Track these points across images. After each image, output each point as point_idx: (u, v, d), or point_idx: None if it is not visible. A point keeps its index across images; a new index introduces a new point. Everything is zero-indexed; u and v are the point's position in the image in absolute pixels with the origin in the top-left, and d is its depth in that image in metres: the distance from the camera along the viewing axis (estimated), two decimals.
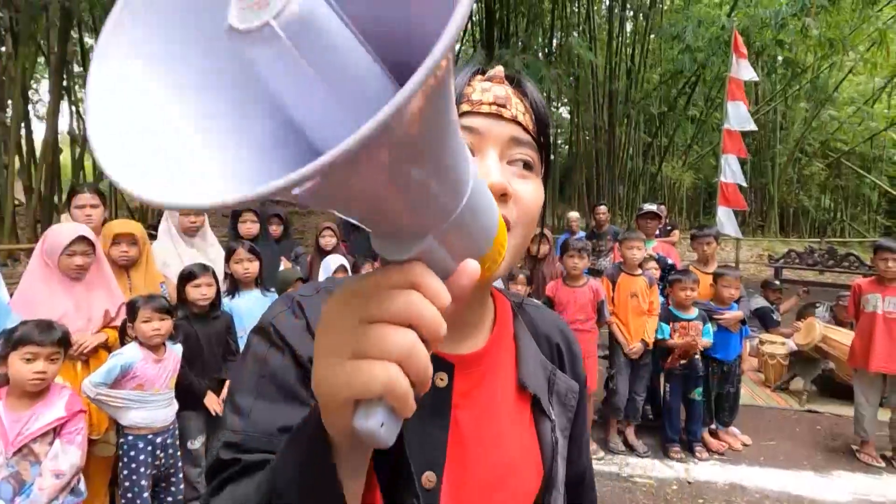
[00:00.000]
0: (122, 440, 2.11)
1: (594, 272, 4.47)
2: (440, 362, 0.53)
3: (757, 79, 7.33)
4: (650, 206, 4.31)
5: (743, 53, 6.41)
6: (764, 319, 4.88)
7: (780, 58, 11.25)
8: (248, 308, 2.73)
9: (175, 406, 2.23)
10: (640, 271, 3.39)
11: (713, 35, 9.49)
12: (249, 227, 3.38)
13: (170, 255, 2.89)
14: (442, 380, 0.54)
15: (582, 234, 5.68)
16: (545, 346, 0.65)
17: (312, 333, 0.52)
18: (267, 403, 0.49)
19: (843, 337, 3.81)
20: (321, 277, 3.36)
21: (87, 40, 10.46)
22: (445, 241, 0.32)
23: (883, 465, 3.19)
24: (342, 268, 3.30)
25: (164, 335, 2.17)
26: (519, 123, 0.53)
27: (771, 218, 14.46)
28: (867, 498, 2.89)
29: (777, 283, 5.42)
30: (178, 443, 2.27)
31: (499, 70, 0.55)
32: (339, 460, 0.35)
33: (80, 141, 8.64)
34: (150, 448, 2.11)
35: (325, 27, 0.27)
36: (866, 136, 14.06)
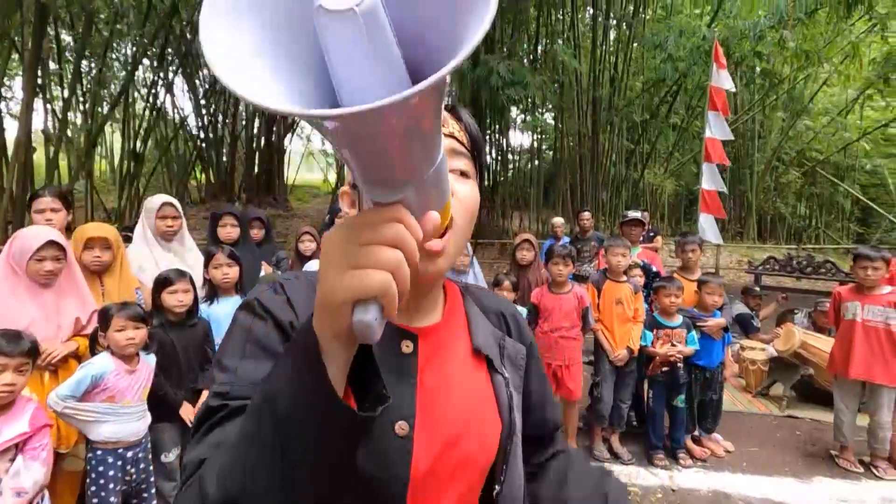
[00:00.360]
0: (90, 455, 2.01)
1: (578, 277, 4.47)
2: (406, 333, 0.64)
3: (734, 89, 7.46)
4: (634, 214, 4.34)
5: (723, 63, 6.52)
6: (744, 325, 4.94)
7: (758, 69, 11.49)
8: (227, 315, 2.65)
9: (148, 419, 2.14)
10: (624, 278, 3.40)
11: (694, 45, 9.66)
12: (229, 231, 3.29)
13: (145, 259, 2.80)
14: (408, 346, 0.63)
15: (567, 239, 5.69)
16: (493, 318, 0.76)
17: (293, 306, 0.61)
18: (252, 362, 0.56)
19: (822, 343, 3.87)
20: None
21: (65, 37, 10.19)
22: (419, 192, 0.43)
23: (861, 470, 3.24)
24: None
25: (138, 344, 2.08)
26: (455, 138, 0.65)
27: (749, 225, 14.74)
28: (846, 503, 2.92)
29: (757, 289, 5.50)
30: (150, 456, 2.18)
31: None
32: (325, 360, 0.41)
33: (54, 140, 8.39)
34: (120, 463, 2.02)
35: (382, 19, 0.36)
36: (840, 146, 14.44)
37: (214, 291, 2.66)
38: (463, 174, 0.64)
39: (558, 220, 6.14)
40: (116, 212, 9.92)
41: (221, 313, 2.65)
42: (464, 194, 0.63)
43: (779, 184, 15.51)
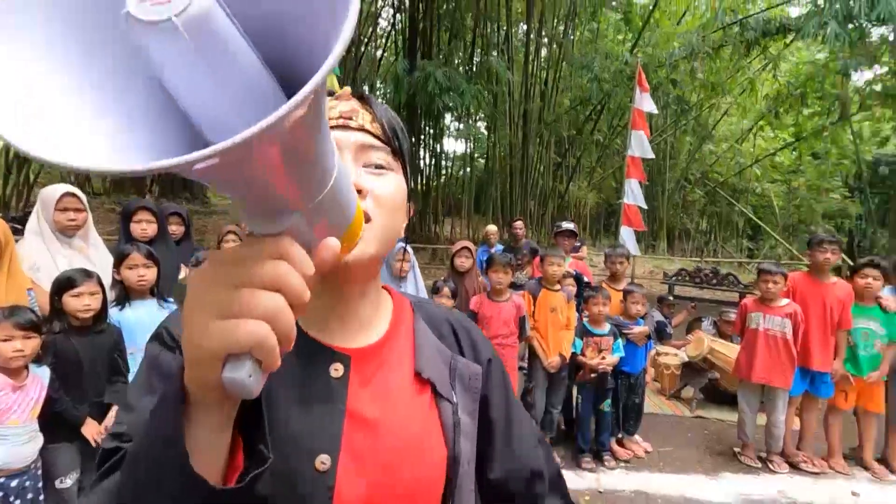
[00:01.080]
0: None
1: (511, 285, 4.55)
2: (336, 355, 0.59)
3: (656, 111, 8.05)
4: (568, 225, 4.50)
5: (646, 87, 7.00)
6: (659, 332, 5.30)
7: (671, 95, 12.53)
8: (141, 320, 2.38)
9: (39, 441, 1.86)
10: (559, 287, 3.50)
11: (617, 69, 10.34)
12: (145, 227, 2.96)
13: (41, 256, 2.44)
14: (337, 370, 0.58)
15: (500, 247, 5.80)
16: (445, 335, 0.70)
17: None
18: (154, 397, 0.50)
19: (728, 350, 4.24)
20: None
21: None
22: (310, 219, 0.37)
23: (760, 465, 3.57)
24: None
25: (28, 357, 1.80)
26: (367, 131, 0.60)
27: (660, 238, 15.97)
28: (749, 497, 3.20)
29: (671, 298, 5.94)
30: (41, 484, 1.89)
31: (345, 90, 0.62)
32: (196, 415, 0.38)
33: None
34: (1, 494, 1.73)
35: (221, 29, 0.30)
36: (736, 170, 16.13)
37: (127, 294, 2.38)
38: (379, 167, 0.59)
39: (492, 228, 6.24)
40: (1, 200, 8.72)
41: (134, 318, 2.37)
42: (381, 190, 0.58)
43: (685, 202, 16.97)
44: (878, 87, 11.18)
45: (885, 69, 10.92)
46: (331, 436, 0.55)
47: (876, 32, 8.89)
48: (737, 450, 3.73)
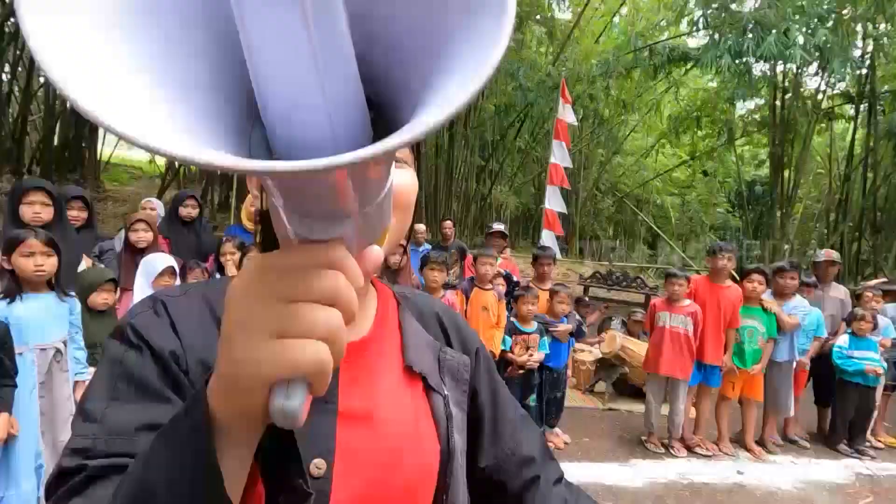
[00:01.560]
0: None
1: (444, 285, 4.60)
2: None
3: (576, 123, 8.55)
4: (499, 226, 4.64)
5: (568, 99, 7.42)
6: (576, 331, 5.64)
7: (588, 108, 13.35)
8: (35, 316, 2.10)
9: None
10: (490, 286, 3.60)
11: (541, 79, 10.84)
12: (38, 210, 2.61)
13: None
14: None
15: (428, 246, 5.83)
16: (431, 327, 0.68)
17: (176, 331, 0.51)
18: (122, 405, 0.47)
19: (637, 347, 4.61)
20: (140, 279, 2.79)
21: None
22: (357, 224, 0.34)
23: (663, 451, 3.93)
24: (170, 270, 2.79)
25: None
26: None
27: (573, 243, 16.97)
28: (655, 480, 3.51)
29: (587, 299, 6.34)
30: None
31: None
32: (226, 447, 0.33)
33: None
34: None
35: (337, 5, 0.27)
36: (640, 182, 17.58)
37: (18, 286, 2.07)
38: (397, 160, 0.56)
39: (420, 227, 6.24)
40: None
41: (26, 313, 2.08)
42: (397, 186, 0.55)
43: (596, 209, 18.19)
44: (757, 117, 12.78)
45: (763, 101, 12.53)
46: (324, 438, 0.52)
47: (758, 68, 10.14)
48: (643, 438, 4.07)
